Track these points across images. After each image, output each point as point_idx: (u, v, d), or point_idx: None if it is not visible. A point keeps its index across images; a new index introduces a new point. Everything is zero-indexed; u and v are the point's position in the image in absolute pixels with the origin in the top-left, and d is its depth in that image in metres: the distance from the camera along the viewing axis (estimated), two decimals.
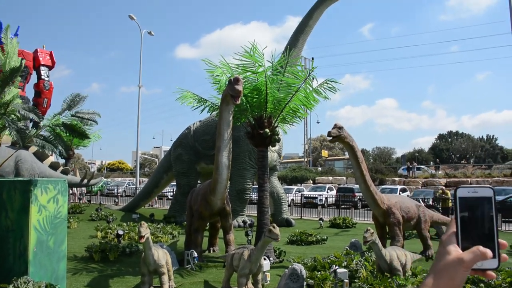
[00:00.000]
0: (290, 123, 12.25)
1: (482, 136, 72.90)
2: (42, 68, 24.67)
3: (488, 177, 37.10)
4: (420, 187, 36.88)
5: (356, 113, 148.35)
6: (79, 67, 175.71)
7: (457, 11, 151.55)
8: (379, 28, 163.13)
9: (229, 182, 11.46)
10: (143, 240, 7.55)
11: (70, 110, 9.91)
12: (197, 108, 11.95)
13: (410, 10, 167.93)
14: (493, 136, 71.92)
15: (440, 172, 43.60)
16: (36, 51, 25.07)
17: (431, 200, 22.72)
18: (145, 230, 7.58)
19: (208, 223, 11.93)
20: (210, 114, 13.38)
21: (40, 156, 18.56)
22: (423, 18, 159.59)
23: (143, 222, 7.65)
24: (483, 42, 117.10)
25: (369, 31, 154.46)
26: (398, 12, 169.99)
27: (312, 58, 49.24)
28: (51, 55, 25.36)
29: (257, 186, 11.92)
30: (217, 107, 11.71)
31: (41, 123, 19.86)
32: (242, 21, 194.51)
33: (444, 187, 25.15)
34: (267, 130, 11.09)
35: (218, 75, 11.25)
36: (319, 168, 53.79)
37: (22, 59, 22.39)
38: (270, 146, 11.68)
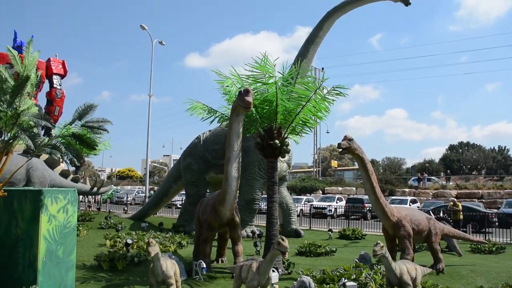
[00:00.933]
0: (300, 134, 12.22)
1: (494, 147, 72.20)
2: (54, 76, 24.96)
3: (500, 189, 36.68)
4: (430, 198, 36.55)
5: (365, 123, 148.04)
6: (90, 76, 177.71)
7: (466, 21, 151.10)
8: (388, 39, 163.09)
9: (238, 192, 11.45)
10: (152, 255, 7.55)
11: (81, 120, 9.98)
12: (206, 119, 11.98)
13: (418, 21, 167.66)
14: (505, 147, 71.21)
15: (451, 183, 43.18)
16: (48, 60, 25.39)
17: (441, 212, 22.47)
18: (153, 248, 7.57)
19: (216, 234, 11.90)
20: (220, 125, 13.39)
21: (51, 163, 18.72)
22: (432, 29, 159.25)
23: (151, 240, 7.63)
24: (492, 52, 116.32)
25: (378, 42, 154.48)
26: (407, 22, 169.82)
27: (322, 69, 49.25)
28: (63, 64, 25.67)
29: (266, 196, 11.90)
30: (227, 117, 11.73)
31: (53, 131, 20.04)
32: (252, 30, 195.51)
33: (455, 199, 24.92)
34: (277, 141, 11.08)
35: (228, 86, 11.29)
36: (329, 178, 53.56)
37: (37, 71, 22.73)
38: (280, 157, 11.66)
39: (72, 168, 25.69)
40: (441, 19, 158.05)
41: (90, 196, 30.98)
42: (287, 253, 7.57)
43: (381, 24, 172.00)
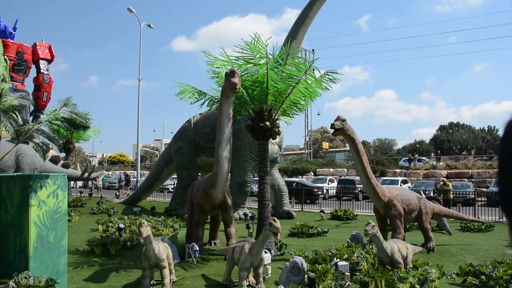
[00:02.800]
0: (291, 115, 12.18)
1: (483, 127, 72.70)
2: (41, 61, 24.54)
3: (490, 168, 37.05)
4: (421, 178, 36.87)
5: (355, 105, 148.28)
6: (77, 61, 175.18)
7: (453, 2, 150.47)
8: (376, 20, 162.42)
9: (229, 175, 11.41)
10: (144, 235, 7.57)
11: (67, 107, 9.91)
12: (196, 102, 11.88)
13: (406, 1, 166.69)
14: (494, 127, 71.73)
15: (441, 163, 43.55)
16: (35, 45, 24.93)
17: (432, 191, 22.70)
18: (145, 229, 7.57)
19: (209, 216, 11.91)
20: (210, 108, 13.29)
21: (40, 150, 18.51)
22: (420, 10, 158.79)
23: (143, 220, 7.62)
24: (480, 33, 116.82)
25: (366, 23, 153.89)
26: (394, 3, 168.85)
27: (313, 50, 49.03)
28: (50, 48, 25.23)
29: (257, 179, 11.90)
30: (216, 100, 11.65)
31: (41, 117, 19.82)
32: (239, 13, 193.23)
33: (445, 179, 25.16)
34: (267, 123, 11.04)
35: (218, 67, 11.18)
36: (320, 160, 53.76)
37: (24, 56, 22.26)
38: (271, 139, 11.64)
39: (62, 155, 25.49)
40: (428, 0, 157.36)
41: (89, 183, 30.99)
42: (279, 234, 7.60)
43: (368, 5, 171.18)
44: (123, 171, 48.54)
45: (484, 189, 29.96)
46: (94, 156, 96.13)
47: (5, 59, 9.64)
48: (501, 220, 19.07)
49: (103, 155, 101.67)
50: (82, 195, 28.98)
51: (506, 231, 14.99)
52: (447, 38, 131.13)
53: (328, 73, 10.92)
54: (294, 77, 10.82)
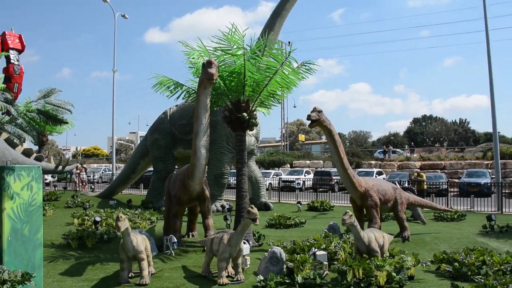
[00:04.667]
0: (268, 106, 12.19)
1: (455, 120, 74.37)
2: (11, 51, 23.82)
3: (461, 160, 37.93)
4: (395, 170, 37.48)
5: (329, 97, 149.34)
6: (49, 52, 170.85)
7: None
8: (349, 14, 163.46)
9: (207, 167, 11.34)
10: (122, 229, 7.49)
11: (45, 99, 9.71)
12: (173, 95, 11.75)
13: None
14: (465, 120, 73.43)
15: (415, 155, 44.33)
16: (4, 34, 24.20)
17: (406, 182, 23.14)
18: (123, 223, 7.49)
19: (186, 208, 11.86)
20: (186, 101, 13.19)
21: (12, 142, 18.06)
22: (392, 4, 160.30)
23: (120, 214, 7.54)
24: (451, 28, 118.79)
25: (339, 17, 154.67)
26: None
27: (289, 42, 49.03)
28: (20, 38, 24.50)
29: (235, 171, 11.90)
30: (193, 92, 11.56)
31: (14, 108, 19.29)
32: (214, 5, 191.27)
33: (419, 170, 25.68)
34: (244, 114, 11.03)
35: (194, 58, 11.09)
36: (296, 152, 54.07)
37: None
38: (248, 130, 11.63)
39: (35, 147, 24.94)
40: None
41: (74, 176, 30.28)
42: (257, 220, 7.62)
43: None
44: (96, 164, 47.72)
45: (456, 180, 30.70)
46: (68, 149, 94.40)
47: None
48: (472, 209, 19.59)
49: (77, 148, 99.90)
50: (56, 189, 28.44)
51: (477, 220, 15.46)
52: (418, 32, 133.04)
53: (305, 64, 10.96)
54: (272, 68, 10.82)
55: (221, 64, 10.87)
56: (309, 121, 10.27)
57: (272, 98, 11.79)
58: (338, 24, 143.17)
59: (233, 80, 10.93)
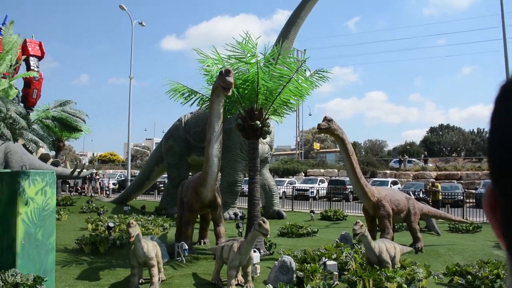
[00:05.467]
0: (281, 114, 12.22)
1: (473, 130, 73.36)
2: (31, 58, 24.33)
3: (478, 170, 37.36)
4: (411, 180, 37.08)
5: (345, 106, 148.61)
6: (67, 59, 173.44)
7: (440, 5, 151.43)
8: (364, 22, 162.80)
9: (220, 174, 11.41)
10: (132, 240, 7.56)
11: (61, 107, 9.92)
12: (187, 102, 11.87)
13: (393, 4, 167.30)
14: (483, 129, 72.28)
15: (430, 165, 43.81)
16: (25, 41, 24.70)
17: (421, 192, 22.88)
18: (134, 229, 7.56)
19: (198, 215, 11.91)
20: (200, 108, 13.30)
21: (28, 148, 18.40)
22: (407, 12, 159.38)
23: (132, 221, 7.62)
24: (468, 36, 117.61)
25: (355, 25, 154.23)
26: (382, 6, 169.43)
27: (304, 50, 49.08)
28: (40, 45, 25.01)
29: (248, 178, 11.93)
30: (207, 99, 11.65)
31: (32, 115, 19.66)
32: (230, 13, 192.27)
33: (434, 180, 25.37)
34: (258, 122, 11.07)
35: (208, 66, 11.19)
36: (311, 160, 53.91)
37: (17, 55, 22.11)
38: (261, 138, 11.66)
39: (52, 153, 25.32)
40: (415, 2, 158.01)
41: (94, 182, 30.72)
42: (268, 234, 7.64)
43: (356, 7, 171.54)
44: (112, 170, 48.21)
45: (473, 191, 30.21)
46: (85, 154, 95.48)
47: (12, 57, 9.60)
48: (488, 221, 19.23)
49: (93, 153, 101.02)
50: (71, 194, 28.80)
51: (493, 232, 15.09)
52: (435, 41, 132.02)
53: (318, 72, 10.98)
54: (285, 76, 10.86)
55: (235, 72, 10.95)
56: (319, 129, 10.30)
57: (285, 106, 11.82)
58: (354, 32, 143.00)
59: (246, 88, 10.99)
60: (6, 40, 10.63)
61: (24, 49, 24.06)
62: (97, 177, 30.97)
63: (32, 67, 23.89)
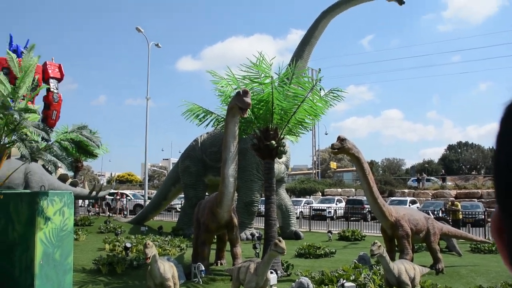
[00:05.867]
0: (296, 134, 12.22)
1: (492, 147, 71.58)
2: (51, 80, 24.85)
3: None
4: (430, 198, 36.49)
5: (361, 124, 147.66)
6: (86, 80, 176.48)
7: (455, 22, 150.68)
8: (378, 40, 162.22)
9: (236, 194, 11.39)
10: (149, 261, 7.55)
11: (79, 130, 10.11)
12: (202, 123, 11.97)
13: (407, 22, 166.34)
14: None
15: (449, 183, 43.10)
16: (45, 64, 25.31)
17: (440, 212, 22.47)
18: (150, 250, 7.56)
19: (215, 236, 11.87)
20: (215, 128, 13.39)
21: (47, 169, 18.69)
22: (421, 30, 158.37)
23: (148, 242, 7.62)
24: (484, 52, 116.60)
25: (369, 43, 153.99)
26: (396, 24, 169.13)
27: (319, 69, 49.28)
28: (60, 67, 25.58)
29: (264, 199, 11.89)
30: (222, 119, 11.72)
31: (51, 136, 19.99)
32: (244, 33, 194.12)
33: (454, 199, 24.93)
34: (273, 141, 11.07)
35: (223, 86, 11.30)
36: (328, 180, 53.55)
37: (34, 75, 22.67)
38: (277, 158, 11.65)
39: (71, 173, 25.63)
40: (429, 20, 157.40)
41: (115, 202, 30.96)
42: (284, 253, 7.56)
43: (370, 26, 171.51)
44: (128, 190, 48.45)
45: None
46: (103, 175, 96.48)
47: (33, 79, 9.81)
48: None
49: (111, 174, 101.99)
50: (90, 214, 29.01)
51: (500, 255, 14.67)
52: (450, 57, 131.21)
53: (333, 91, 10.99)
54: (299, 95, 10.89)
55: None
56: (334, 150, 10.26)
57: (300, 126, 11.82)
58: (368, 50, 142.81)
59: (261, 108, 11.04)
60: (26, 63, 10.92)
61: (45, 71, 24.66)
62: (118, 197, 31.24)
63: (52, 89, 24.41)
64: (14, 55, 9.53)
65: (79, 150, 10.81)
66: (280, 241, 7.59)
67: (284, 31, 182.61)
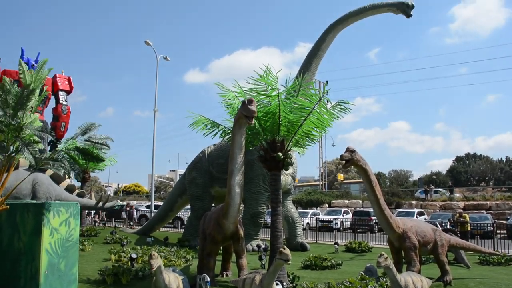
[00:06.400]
0: (303, 146, 12.22)
1: (501, 158, 71.66)
2: (60, 92, 25.22)
3: (509, 200, 36.28)
4: (438, 210, 36.22)
5: (368, 136, 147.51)
6: (95, 92, 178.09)
7: (462, 34, 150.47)
8: (385, 53, 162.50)
9: (243, 206, 11.38)
10: (154, 268, 7.54)
11: (84, 136, 10.10)
12: (209, 133, 12.02)
13: (414, 34, 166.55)
14: None
15: (458, 195, 42.79)
16: (55, 76, 25.67)
17: (449, 223, 22.27)
18: (155, 261, 7.54)
19: (221, 247, 11.84)
20: (222, 140, 13.43)
21: (57, 178, 18.80)
22: (429, 42, 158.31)
23: (153, 252, 7.60)
24: (491, 64, 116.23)
25: (376, 56, 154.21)
26: (402, 36, 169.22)
27: (326, 81, 49.34)
28: (69, 80, 25.94)
29: (270, 210, 11.86)
30: (229, 131, 11.76)
31: (59, 146, 20.17)
32: (252, 46, 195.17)
33: (462, 211, 24.71)
34: (280, 153, 11.08)
35: (230, 99, 11.35)
36: (335, 191, 53.33)
37: (43, 87, 22.97)
38: (284, 170, 11.64)
39: (78, 184, 25.77)
40: (436, 32, 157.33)
41: (125, 213, 31.01)
42: (289, 260, 7.50)
43: (376, 39, 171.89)
44: (136, 202, 48.54)
45: (504, 221, 29.27)
46: (110, 186, 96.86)
47: (42, 91, 9.90)
48: None
49: (118, 185, 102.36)
50: (96, 224, 29.07)
51: None
52: (458, 69, 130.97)
53: (340, 103, 11.00)
54: (306, 108, 10.91)
55: (256, 104, 11.06)
56: (343, 161, 10.21)
57: (307, 138, 11.82)
58: (375, 62, 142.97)
59: (268, 120, 11.07)
60: (37, 76, 11.07)
61: (54, 83, 24.98)
62: (128, 208, 31.33)
63: (61, 101, 24.71)
64: (26, 67, 9.66)
65: (86, 157, 10.83)
66: (284, 248, 7.56)
67: (291, 44, 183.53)
